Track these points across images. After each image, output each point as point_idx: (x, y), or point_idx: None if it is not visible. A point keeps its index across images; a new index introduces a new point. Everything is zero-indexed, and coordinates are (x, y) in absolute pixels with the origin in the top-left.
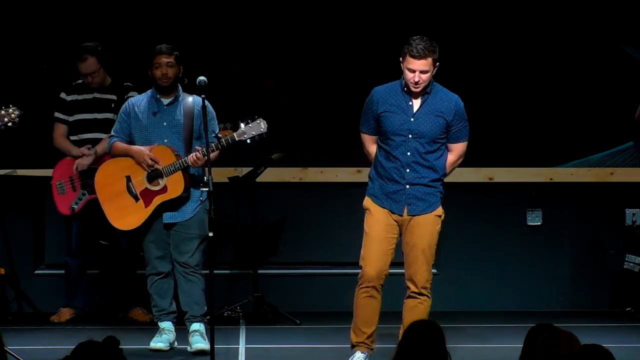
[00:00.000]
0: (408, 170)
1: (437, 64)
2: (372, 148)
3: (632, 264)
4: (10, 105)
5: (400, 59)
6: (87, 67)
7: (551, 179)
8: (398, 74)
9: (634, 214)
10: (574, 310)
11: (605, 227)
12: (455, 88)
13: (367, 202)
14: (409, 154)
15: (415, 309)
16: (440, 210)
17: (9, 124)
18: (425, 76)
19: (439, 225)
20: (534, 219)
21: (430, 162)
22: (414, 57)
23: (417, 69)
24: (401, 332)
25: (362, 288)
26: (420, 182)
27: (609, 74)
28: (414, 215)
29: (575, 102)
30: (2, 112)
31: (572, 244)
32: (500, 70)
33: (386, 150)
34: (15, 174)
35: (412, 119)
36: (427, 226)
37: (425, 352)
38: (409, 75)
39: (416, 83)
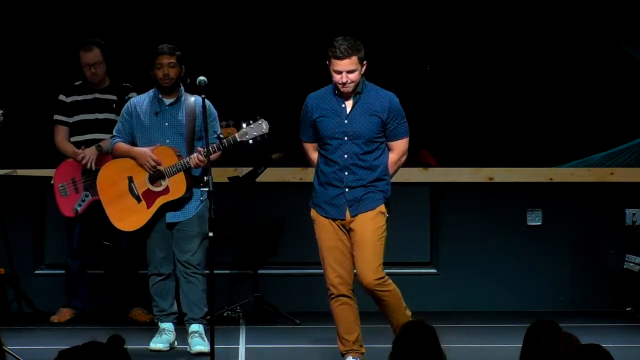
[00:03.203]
0: (347, 173)
1: (365, 62)
2: (314, 156)
3: (632, 264)
4: None
5: (327, 62)
6: (91, 57)
7: (551, 179)
8: (397, 73)
9: (634, 214)
10: (573, 310)
11: (605, 227)
12: (455, 88)
13: (313, 213)
14: (346, 156)
15: (384, 303)
16: (383, 208)
17: None
18: (352, 76)
19: (383, 222)
20: (534, 219)
21: (369, 162)
22: (338, 58)
23: (343, 70)
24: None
25: (332, 299)
26: (359, 185)
27: (609, 74)
28: (357, 214)
29: (575, 102)
30: None
31: (572, 244)
32: (501, 70)
33: (324, 155)
34: (15, 174)
35: (346, 121)
36: (370, 221)
37: (419, 353)
38: (336, 77)
39: (344, 84)
